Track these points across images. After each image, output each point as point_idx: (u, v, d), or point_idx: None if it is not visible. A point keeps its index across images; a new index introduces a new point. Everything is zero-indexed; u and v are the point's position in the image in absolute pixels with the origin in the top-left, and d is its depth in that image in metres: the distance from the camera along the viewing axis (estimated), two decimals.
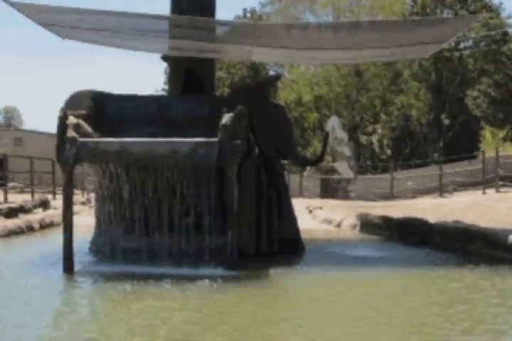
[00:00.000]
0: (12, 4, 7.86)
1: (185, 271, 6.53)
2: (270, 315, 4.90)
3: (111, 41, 9.92)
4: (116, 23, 8.54)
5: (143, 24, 8.55)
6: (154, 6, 69.63)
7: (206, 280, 5.99)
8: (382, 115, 40.44)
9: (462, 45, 38.42)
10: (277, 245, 8.08)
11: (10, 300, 5.32)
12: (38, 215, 12.63)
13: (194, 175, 6.84)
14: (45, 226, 11.80)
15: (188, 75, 9.03)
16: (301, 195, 26.57)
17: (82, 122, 7.08)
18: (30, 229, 11.18)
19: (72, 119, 6.86)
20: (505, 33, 37.36)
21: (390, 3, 41.91)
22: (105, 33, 9.02)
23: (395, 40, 8.81)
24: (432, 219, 9.87)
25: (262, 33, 8.72)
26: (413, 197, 24.62)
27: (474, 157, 27.06)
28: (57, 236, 7.52)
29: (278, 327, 4.53)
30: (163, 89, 43.59)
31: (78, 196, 19.19)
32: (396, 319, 4.74)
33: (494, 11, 37.43)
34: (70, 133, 6.68)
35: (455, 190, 23.55)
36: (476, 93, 36.50)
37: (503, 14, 38.43)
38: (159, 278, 6.09)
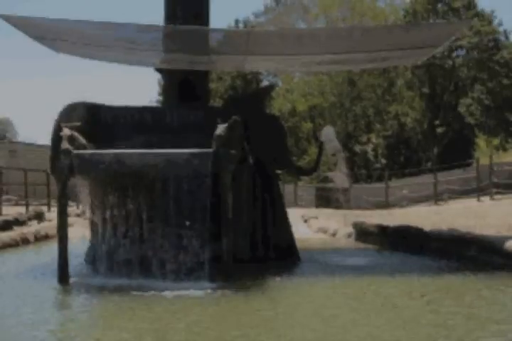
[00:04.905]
0: (5, 18, 7.83)
1: (180, 283, 6.50)
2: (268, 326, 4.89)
3: (105, 55, 9.91)
4: (109, 35, 8.53)
5: (137, 36, 8.54)
6: (148, 14, 69.58)
7: (202, 292, 5.97)
8: (376, 124, 40.52)
9: (455, 53, 38.56)
10: (272, 251, 8.15)
11: (3, 310, 5.33)
12: (32, 228, 12.60)
13: (189, 186, 6.82)
14: (40, 238, 11.75)
15: (183, 86, 9.04)
16: (296, 204, 26.55)
17: (76, 134, 7.07)
18: (25, 241, 11.13)
19: (66, 131, 6.86)
20: (497, 40, 37.51)
21: (382, 12, 42.14)
22: (98, 46, 9.01)
23: (387, 45, 8.81)
24: (427, 227, 9.86)
25: (255, 40, 8.70)
26: (408, 205, 24.62)
27: (468, 165, 27.12)
28: (52, 249, 7.49)
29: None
30: (157, 101, 43.62)
31: (73, 208, 19.11)
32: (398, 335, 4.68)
33: (486, 19, 37.61)
34: (64, 145, 6.67)
35: (450, 198, 23.58)
36: (469, 101, 36.59)
37: (495, 22, 38.59)
38: (154, 290, 6.07)
